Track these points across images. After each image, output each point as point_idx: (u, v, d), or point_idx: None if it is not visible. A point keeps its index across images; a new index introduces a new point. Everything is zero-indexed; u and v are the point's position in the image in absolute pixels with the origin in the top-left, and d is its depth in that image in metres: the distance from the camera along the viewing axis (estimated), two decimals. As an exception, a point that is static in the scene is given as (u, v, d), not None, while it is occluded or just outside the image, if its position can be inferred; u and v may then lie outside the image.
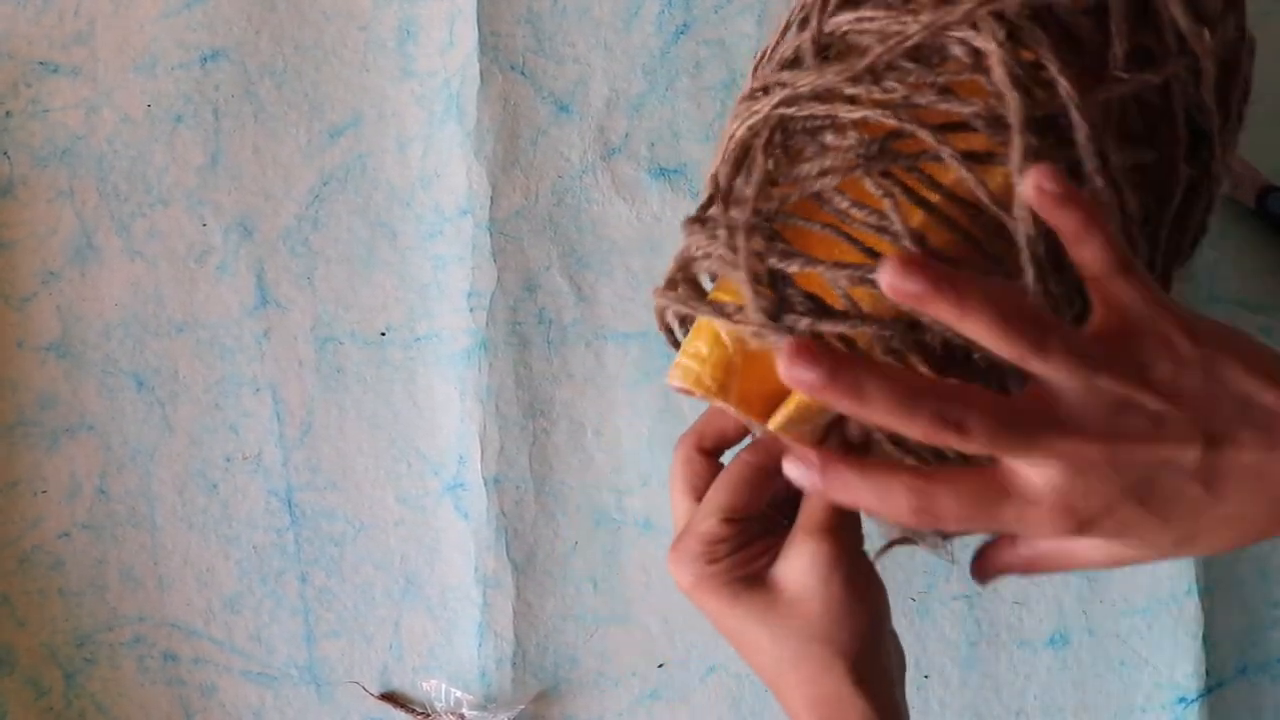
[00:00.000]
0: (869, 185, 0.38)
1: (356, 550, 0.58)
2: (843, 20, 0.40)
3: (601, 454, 0.57)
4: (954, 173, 0.38)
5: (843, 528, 0.42)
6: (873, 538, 0.44)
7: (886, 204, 0.38)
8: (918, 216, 0.38)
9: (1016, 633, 0.56)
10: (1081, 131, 0.37)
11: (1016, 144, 0.36)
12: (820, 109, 0.39)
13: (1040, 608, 0.56)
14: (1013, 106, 0.36)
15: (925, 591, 0.56)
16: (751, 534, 0.43)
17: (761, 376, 0.41)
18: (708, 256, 0.41)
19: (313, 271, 0.58)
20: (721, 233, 0.39)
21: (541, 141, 0.57)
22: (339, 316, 0.58)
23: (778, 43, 0.44)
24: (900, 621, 0.56)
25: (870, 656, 0.42)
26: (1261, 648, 0.56)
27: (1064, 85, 0.36)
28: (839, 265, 0.38)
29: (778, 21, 0.44)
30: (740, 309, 0.39)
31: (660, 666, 0.57)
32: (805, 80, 0.39)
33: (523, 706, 0.57)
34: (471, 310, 0.57)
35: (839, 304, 0.38)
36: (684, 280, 0.42)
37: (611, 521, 0.57)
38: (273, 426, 0.58)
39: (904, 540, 0.44)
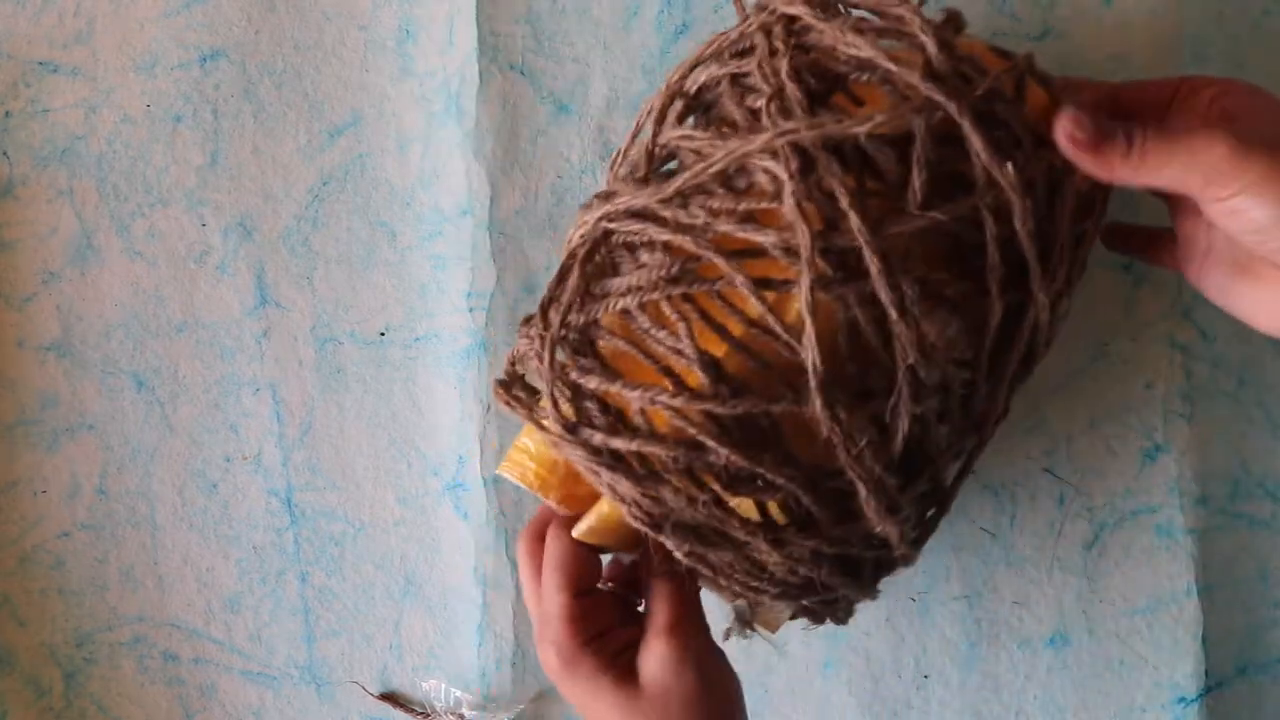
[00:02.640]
0: (667, 308, 0.40)
1: (356, 550, 0.58)
2: (673, 136, 0.41)
3: (601, 454, 0.57)
4: (749, 301, 0.39)
5: (689, 623, 0.43)
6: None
7: (680, 327, 0.39)
8: (717, 344, 0.39)
9: (1016, 633, 0.56)
10: (874, 265, 0.37)
11: (805, 275, 0.37)
12: (636, 226, 0.40)
13: (1040, 608, 0.56)
14: (801, 238, 0.37)
15: (925, 591, 0.56)
16: (608, 618, 0.45)
17: (579, 477, 0.43)
18: (525, 360, 0.42)
19: (312, 271, 0.58)
20: (536, 340, 0.41)
21: (541, 141, 0.57)
22: (339, 316, 0.58)
23: (629, 146, 0.45)
24: (900, 621, 0.56)
25: None
26: (1261, 648, 0.56)
27: (854, 220, 0.37)
28: (634, 385, 0.39)
29: (635, 117, 0.45)
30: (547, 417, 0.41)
31: (660, 666, 0.57)
32: (626, 196, 0.41)
33: (522, 706, 0.57)
34: (471, 310, 0.57)
35: (635, 421, 0.40)
36: (515, 377, 0.44)
37: (611, 521, 0.57)
38: (273, 426, 0.58)
39: (741, 625, 0.45)
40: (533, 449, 0.45)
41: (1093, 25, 0.55)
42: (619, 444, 0.39)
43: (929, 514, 0.44)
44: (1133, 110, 0.44)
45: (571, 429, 0.40)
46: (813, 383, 0.37)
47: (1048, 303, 0.41)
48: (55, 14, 0.59)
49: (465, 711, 0.57)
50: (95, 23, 0.59)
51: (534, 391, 0.43)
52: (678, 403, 0.38)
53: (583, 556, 0.44)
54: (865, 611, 0.56)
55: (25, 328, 0.59)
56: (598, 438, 0.40)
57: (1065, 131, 0.39)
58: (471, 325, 0.57)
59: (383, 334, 0.58)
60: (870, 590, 0.44)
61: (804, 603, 0.43)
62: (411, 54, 0.58)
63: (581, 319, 0.41)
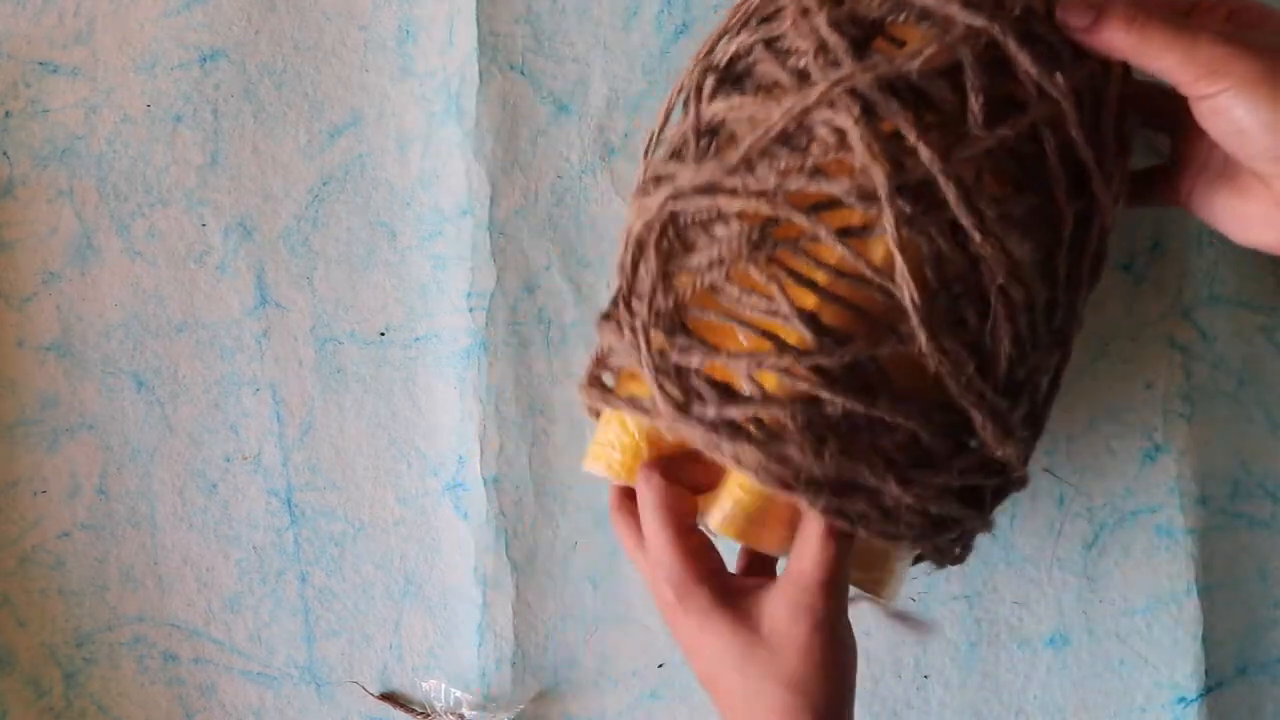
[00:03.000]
0: (755, 273, 0.40)
1: (356, 550, 0.58)
2: (719, 108, 0.42)
3: (601, 454, 0.57)
4: (835, 250, 0.39)
5: (837, 585, 0.41)
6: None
7: (773, 289, 0.40)
8: (809, 298, 0.40)
9: (1016, 633, 0.56)
10: (950, 193, 0.38)
11: (888, 214, 0.38)
12: (705, 202, 0.41)
13: (1040, 608, 0.56)
14: (878, 179, 0.38)
15: (925, 592, 0.56)
16: (720, 560, 0.44)
17: (678, 462, 0.43)
18: (618, 353, 0.43)
19: (312, 271, 0.58)
20: (627, 332, 0.42)
21: (541, 141, 0.57)
22: (339, 316, 0.58)
23: (663, 126, 0.46)
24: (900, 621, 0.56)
25: (837, 717, 0.42)
26: (1261, 648, 0.56)
27: (925, 151, 0.38)
28: (737, 354, 0.40)
29: (661, 101, 0.45)
30: (654, 403, 0.41)
31: (660, 666, 0.57)
32: (688, 174, 0.41)
33: (522, 706, 0.57)
34: (471, 310, 0.57)
35: (745, 389, 0.40)
36: (603, 375, 0.45)
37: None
38: (273, 426, 0.58)
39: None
40: (615, 439, 0.45)
41: (1093, 25, 0.55)
42: (734, 413, 0.40)
43: (1035, 434, 0.45)
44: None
45: (684, 408, 0.40)
46: (914, 319, 0.38)
47: (1109, 205, 0.42)
48: (55, 14, 0.59)
49: (465, 711, 0.57)
50: (95, 23, 0.59)
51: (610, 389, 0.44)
52: (785, 362, 0.39)
53: (677, 493, 0.43)
54: (865, 612, 0.56)
55: (25, 328, 0.59)
56: (711, 412, 0.40)
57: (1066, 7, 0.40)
58: (471, 325, 0.57)
59: (383, 334, 0.58)
60: (988, 520, 0.44)
61: (936, 543, 0.43)
62: (411, 54, 0.58)
63: (669, 302, 0.41)
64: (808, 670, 0.41)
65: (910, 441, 0.40)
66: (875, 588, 0.46)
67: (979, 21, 0.38)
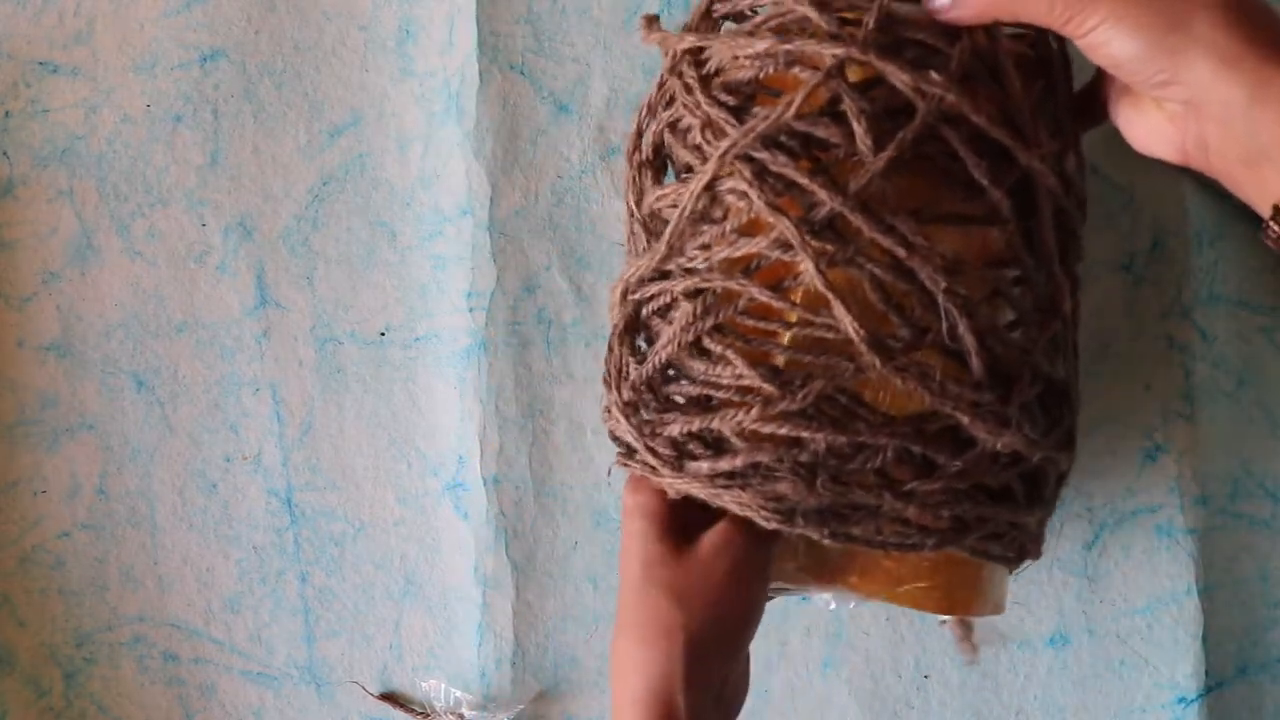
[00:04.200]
0: (711, 344, 0.43)
1: (356, 550, 0.58)
2: (650, 201, 0.45)
3: (601, 454, 0.57)
4: (774, 304, 0.42)
5: (755, 529, 0.43)
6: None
7: (729, 354, 0.42)
8: (765, 354, 0.42)
9: (1017, 633, 0.56)
10: (859, 221, 0.39)
11: (807, 260, 0.39)
12: (655, 289, 0.44)
13: (1040, 608, 0.56)
14: (787, 230, 0.40)
15: (925, 591, 0.56)
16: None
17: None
18: (613, 426, 0.46)
19: (312, 271, 0.58)
20: (618, 414, 0.45)
21: (541, 141, 0.57)
22: (339, 316, 0.58)
23: (629, 223, 0.48)
24: (900, 621, 0.56)
25: (722, 649, 0.43)
26: (1261, 648, 0.56)
27: (820, 192, 0.39)
28: (717, 415, 0.42)
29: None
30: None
31: (660, 666, 0.57)
32: (635, 268, 0.44)
33: (522, 706, 0.57)
34: (471, 310, 0.57)
35: (734, 441, 0.42)
36: (626, 454, 0.47)
37: (611, 521, 0.57)
38: (273, 426, 0.58)
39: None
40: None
41: (1093, 25, 0.55)
42: (726, 465, 0.42)
43: (1058, 410, 0.45)
44: None
45: (679, 467, 0.43)
46: (861, 348, 0.40)
47: (1046, 168, 0.42)
48: (55, 14, 0.59)
49: (465, 711, 0.57)
50: (95, 23, 0.59)
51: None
52: (756, 415, 0.41)
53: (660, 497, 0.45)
54: (865, 611, 0.56)
55: (25, 328, 0.59)
56: (705, 467, 0.42)
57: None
58: (471, 325, 0.57)
59: (383, 334, 0.58)
60: (1037, 507, 0.45)
61: (974, 544, 0.43)
62: (411, 54, 0.58)
63: (644, 378, 0.44)
64: (702, 594, 0.43)
65: (904, 455, 0.41)
66: (968, 606, 0.47)
67: (838, 51, 0.39)
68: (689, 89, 0.43)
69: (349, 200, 0.58)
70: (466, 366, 0.57)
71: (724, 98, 0.42)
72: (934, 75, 0.39)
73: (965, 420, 0.41)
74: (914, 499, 0.41)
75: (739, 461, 0.42)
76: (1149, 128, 0.42)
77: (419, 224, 0.58)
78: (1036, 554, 0.47)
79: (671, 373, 0.44)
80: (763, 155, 0.40)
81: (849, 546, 0.43)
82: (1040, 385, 0.43)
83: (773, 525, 0.42)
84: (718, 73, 0.43)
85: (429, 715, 0.58)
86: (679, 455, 0.43)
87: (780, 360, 0.42)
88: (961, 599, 0.47)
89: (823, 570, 0.46)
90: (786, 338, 0.42)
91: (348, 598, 0.58)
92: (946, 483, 0.41)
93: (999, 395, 0.41)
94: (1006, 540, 0.45)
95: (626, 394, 0.45)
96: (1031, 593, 0.56)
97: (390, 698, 0.58)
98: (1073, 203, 0.44)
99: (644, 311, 0.45)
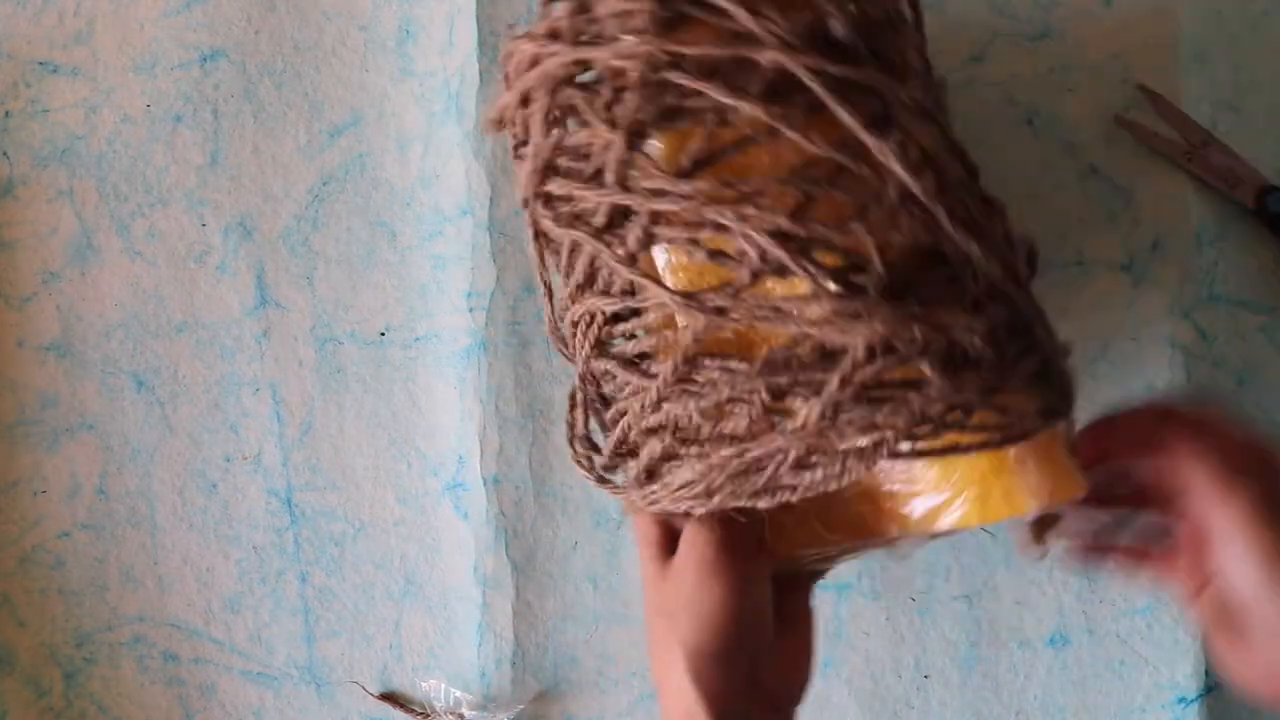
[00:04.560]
0: (597, 364, 0.44)
1: (356, 550, 0.58)
2: (575, 310, 0.46)
3: (601, 454, 0.57)
4: (626, 306, 0.43)
5: (720, 525, 0.42)
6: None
7: (611, 368, 0.44)
8: (636, 355, 0.44)
9: (1016, 633, 0.56)
10: (631, 202, 0.40)
11: (604, 255, 0.41)
12: (598, 366, 0.45)
13: (1040, 608, 0.56)
14: (581, 239, 0.42)
15: (925, 591, 0.56)
16: None
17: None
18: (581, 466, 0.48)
19: (312, 271, 0.58)
20: (589, 475, 0.47)
21: (541, 141, 0.57)
22: (339, 316, 0.58)
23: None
24: (900, 621, 0.56)
25: (718, 651, 0.42)
26: (1261, 648, 0.56)
27: (591, 194, 0.41)
28: (621, 432, 0.44)
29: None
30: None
31: (660, 666, 0.57)
32: (578, 359, 0.46)
33: (522, 706, 0.57)
34: (471, 310, 0.57)
35: (636, 441, 0.44)
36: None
37: (611, 521, 0.57)
38: (273, 426, 0.58)
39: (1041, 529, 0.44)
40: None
41: (1093, 25, 0.55)
42: (643, 469, 0.43)
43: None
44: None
45: (642, 485, 0.44)
46: (679, 312, 0.40)
47: (886, 80, 0.38)
48: (55, 14, 0.59)
49: (465, 711, 0.57)
50: (95, 23, 0.59)
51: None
52: (638, 412, 0.42)
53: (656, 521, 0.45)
54: (865, 612, 0.56)
55: (25, 328, 0.59)
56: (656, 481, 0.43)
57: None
58: (471, 325, 0.57)
59: (383, 334, 0.58)
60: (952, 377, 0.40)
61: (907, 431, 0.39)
62: (411, 54, 0.58)
63: (608, 440, 0.45)
64: (679, 598, 0.42)
65: (779, 391, 0.39)
66: (1062, 492, 0.42)
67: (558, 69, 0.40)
68: (526, 201, 0.45)
69: (349, 200, 0.58)
70: (466, 366, 0.57)
71: (536, 186, 0.43)
72: (776, 16, 0.37)
73: (834, 336, 0.38)
74: (808, 427, 0.38)
75: (644, 461, 0.42)
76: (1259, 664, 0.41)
77: (419, 224, 0.58)
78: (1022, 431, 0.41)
79: (597, 405, 0.46)
80: (549, 186, 0.42)
81: (854, 502, 0.43)
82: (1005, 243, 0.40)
83: (700, 510, 0.41)
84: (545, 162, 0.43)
85: (429, 715, 0.58)
86: (649, 475, 0.43)
87: (641, 350, 0.43)
88: (1057, 490, 0.41)
89: (840, 529, 0.44)
90: (643, 332, 0.43)
91: (348, 598, 0.58)
92: (833, 396, 0.38)
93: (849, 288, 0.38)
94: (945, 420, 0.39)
95: (598, 458, 0.46)
96: (1031, 593, 0.56)
97: (390, 698, 0.58)
98: (929, 100, 0.40)
99: (590, 377, 0.47)
